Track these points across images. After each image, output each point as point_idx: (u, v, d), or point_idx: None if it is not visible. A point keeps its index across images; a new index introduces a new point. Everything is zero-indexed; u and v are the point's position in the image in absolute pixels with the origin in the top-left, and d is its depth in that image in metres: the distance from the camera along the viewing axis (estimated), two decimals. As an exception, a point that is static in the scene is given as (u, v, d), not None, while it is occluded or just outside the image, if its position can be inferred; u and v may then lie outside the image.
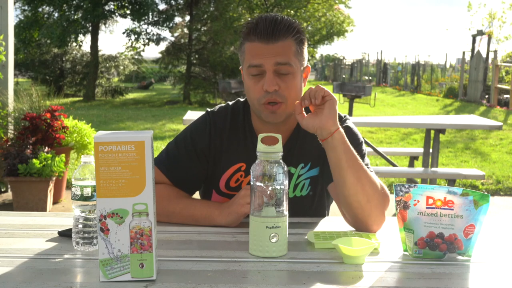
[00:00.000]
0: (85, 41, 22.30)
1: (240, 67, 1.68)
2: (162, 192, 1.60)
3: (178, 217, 1.59)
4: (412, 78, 22.06)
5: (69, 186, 5.39)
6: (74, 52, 20.55)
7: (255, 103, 1.59)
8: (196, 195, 1.79)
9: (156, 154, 1.47)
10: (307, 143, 1.68)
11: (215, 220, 1.56)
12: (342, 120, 1.69)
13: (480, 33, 17.37)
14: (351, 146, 1.50)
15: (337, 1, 20.86)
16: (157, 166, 1.66)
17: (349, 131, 1.66)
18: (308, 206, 1.73)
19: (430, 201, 1.31)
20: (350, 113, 10.81)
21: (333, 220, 1.70)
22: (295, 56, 1.56)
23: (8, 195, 5.26)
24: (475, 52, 16.66)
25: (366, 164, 1.60)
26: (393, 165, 5.58)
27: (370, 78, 26.80)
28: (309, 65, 1.66)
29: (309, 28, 20.43)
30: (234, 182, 1.70)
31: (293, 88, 1.57)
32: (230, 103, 1.77)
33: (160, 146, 8.08)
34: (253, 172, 1.29)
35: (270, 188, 1.27)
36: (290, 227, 1.36)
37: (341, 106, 13.21)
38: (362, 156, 1.60)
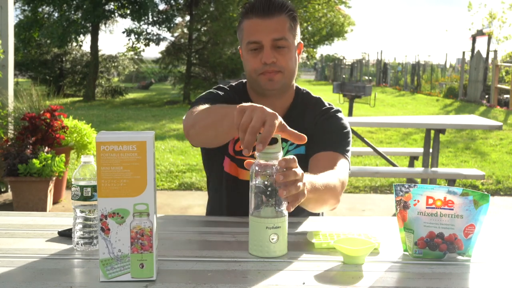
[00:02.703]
0: (85, 41, 22.33)
1: (239, 46, 1.77)
2: (203, 106, 1.60)
3: (206, 114, 1.53)
4: (412, 78, 22.06)
5: (69, 186, 5.40)
6: (74, 52, 20.56)
7: (252, 75, 1.69)
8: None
9: (156, 154, 1.47)
10: (299, 122, 1.74)
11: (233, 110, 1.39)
12: (333, 110, 1.79)
13: (480, 33, 17.37)
14: (315, 182, 1.41)
15: (337, 1, 20.86)
16: (193, 105, 1.66)
17: (338, 120, 1.76)
18: None
19: (430, 201, 1.31)
20: (350, 113, 10.81)
21: (333, 220, 1.70)
22: (289, 31, 1.67)
23: (8, 195, 5.26)
24: (475, 52, 16.66)
25: (347, 150, 1.70)
26: (393, 165, 5.58)
27: (370, 78, 26.80)
28: (302, 42, 1.77)
29: (309, 28, 20.44)
30: (239, 147, 1.75)
31: (289, 60, 1.68)
32: (234, 83, 1.87)
33: (160, 146, 8.09)
34: (252, 172, 1.29)
35: (270, 188, 1.26)
36: (290, 227, 1.36)
37: (341, 106, 13.22)
38: (346, 144, 1.71)
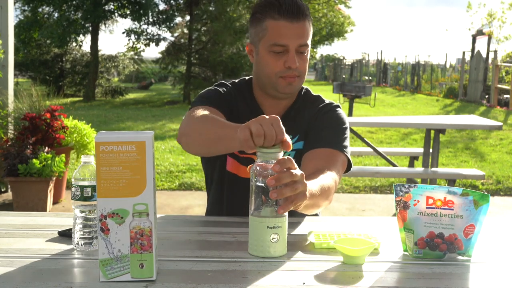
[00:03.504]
0: (85, 41, 22.35)
1: (248, 41, 1.76)
2: (203, 111, 1.60)
3: (206, 124, 1.53)
4: (412, 78, 22.05)
5: (69, 186, 5.40)
6: (74, 52, 20.56)
7: (271, 77, 1.68)
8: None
9: (156, 154, 1.47)
10: (300, 117, 1.78)
11: (233, 134, 1.40)
12: (333, 105, 1.81)
13: (480, 33, 17.37)
14: (311, 189, 1.40)
15: (337, 1, 20.87)
16: (194, 105, 1.69)
17: (337, 115, 1.78)
18: None
19: (430, 201, 1.31)
20: (350, 113, 10.81)
21: (332, 220, 1.70)
22: (310, 36, 1.70)
23: (8, 195, 5.26)
24: (475, 52, 16.66)
25: (345, 145, 1.70)
26: (393, 165, 5.58)
27: (370, 78, 26.79)
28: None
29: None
30: None
31: (306, 64, 1.72)
32: (236, 80, 1.86)
33: (160, 146, 8.08)
34: (253, 172, 1.29)
35: (270, 188, 1.26)
36: (290, 227, 1.36)
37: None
38: (344, 139, 1.71)
